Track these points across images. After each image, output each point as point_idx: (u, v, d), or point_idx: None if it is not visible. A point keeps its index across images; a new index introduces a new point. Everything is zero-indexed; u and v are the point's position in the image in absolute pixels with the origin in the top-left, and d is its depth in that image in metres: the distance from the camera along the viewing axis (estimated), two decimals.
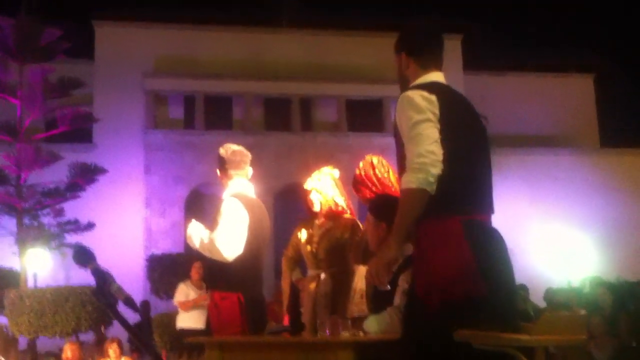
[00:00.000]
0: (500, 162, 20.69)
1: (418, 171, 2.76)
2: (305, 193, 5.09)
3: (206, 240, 4.00)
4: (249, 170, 4.45)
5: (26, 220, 12.28)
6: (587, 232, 19.74)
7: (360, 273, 4.26)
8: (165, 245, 18.31)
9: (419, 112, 2.85)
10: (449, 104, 2.92)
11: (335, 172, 5.18)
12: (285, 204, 18.78)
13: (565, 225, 19.75)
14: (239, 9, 21.29)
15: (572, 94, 23.38)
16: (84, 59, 19.73)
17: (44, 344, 11.85)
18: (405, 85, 3.12)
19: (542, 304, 9.96)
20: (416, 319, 2.86)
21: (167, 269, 13.07)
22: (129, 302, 2.17)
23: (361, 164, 4.51)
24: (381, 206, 3.67)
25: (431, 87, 2.96)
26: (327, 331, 3.38)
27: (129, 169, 19.01)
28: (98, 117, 16.25)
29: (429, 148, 2.78)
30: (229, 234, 3.98)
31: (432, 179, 2.76)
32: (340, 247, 4.89)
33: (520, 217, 20.02)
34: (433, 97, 2.89)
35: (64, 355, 8.64)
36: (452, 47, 22.09)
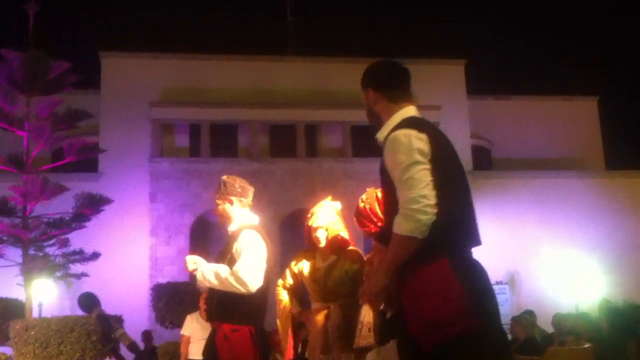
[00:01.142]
0: (507, 185, 20.70)
1: (409, 218, 2.75)
2: (310, 230, 5.07)
3: (224, 274, 3.93)
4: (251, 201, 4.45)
5: (31, 251, 12.28)
6: (594, 255, 19.63)
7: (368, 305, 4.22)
8: (171, 273, 18.29)
9: (411, 155, 2.81)
10: (437, 141, 2.90)
11: (337, 205, 5.19)
12: (292, 230, 18.76)
13: (572, 248, 19.66)
14: (243, 39, 21.50)
15: (577, 117, 23.42)
16: (90, 89, 19.90)
17: None
18: (376, 121, 3.11)
19: (549, 329, 9.88)
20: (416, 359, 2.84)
21: (172, 298, 13.03)
22: (134, 347, 2.17)
23: (364, 197, 4.41)
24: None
25: (418, 124, 2.94)
26: None
27: (134, 198, 19.08)
28: (104, 146, 16.33)
29: (421, 192, 2.75)
30: (253, 266, 3.97)
31: (423, 228, 2.74)
32: (348, 279, 4.88)
33: (527, 240, 19.95)
34: (424, 136, 2.86)
35: None
36: (456, 72, 22.22)
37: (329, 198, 5.18)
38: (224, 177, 4.35)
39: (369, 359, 3.36)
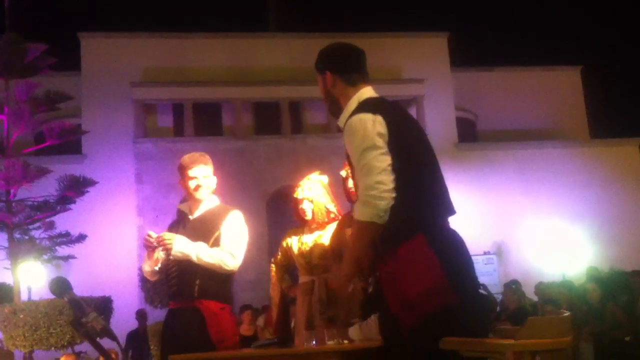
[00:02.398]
0: (492, 157, 20.79)
1: (367, 204, 2.78)
2: (296, 202, 5.06)
3: (218, 252, 3.91)
4: None
5: (17, 235, 12.23)
6: (580, 224, 19.81)
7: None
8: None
9: (366, 140, 2.83)
10: (394, 121, 2.91)
11: (324, 178, 5.15)
12: (278, 208, 18.78)
13: (557, 218, 19.82)
14: (225, 17, 21.30)
15: (561, 87, 23.48)
16: (70, 71, 19.70)
17: (41, 357, 11.82)
18: (333, 104, 3.14)
19: (535, 298, 9.98)
20: (395, 337, 2.86)
21: (160, 279, 12.98)
22: (106, 331, 2.15)
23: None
24: None
25: (373, 106, 2.94)
26: (314, 341, 3.37)
27: (120, 179, 19.00)
28: (87, 128, 16.20)
29: (377, 178, 2.77)
30: (242, 246, 4.00)
31: (381, 213, 2.77)
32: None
33: (513, 210, 20.09)
34: (379, 118, 2.87)
35: None
36: (439, 45, 22.17)
37: (317, 172, 5.16)
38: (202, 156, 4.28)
39: (351, 334, 3.36)
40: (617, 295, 7.77)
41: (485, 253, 18.78)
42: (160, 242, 3.88)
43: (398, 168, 2.81)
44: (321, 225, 4.97)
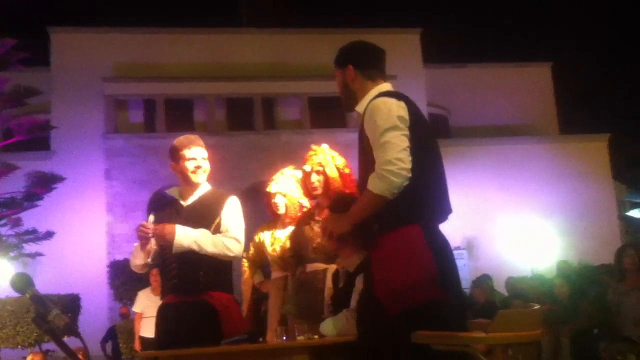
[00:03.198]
0: (464, 153, 20.89)
1: (382, 178, 2.83)
2: (269, 196, 5.01)
3: (220, 238, 3.72)
4: None
5: None
6: (551, 219, 20.02)
7: (332, 272, 4.18)
8: (129, 250, 17.95)
9: (389, 120, 2.90)
10: (414, 112, 3.00)
11: (298, 173, 5.10)
12: (251, 204, 18.60)
13: (529, 213, 20.01)
14: (198, 12, 21.13)
15: (532, 84, 23.68)
16: (40, 66, 19.37)
17: (9, 355, 11.64)
18: (350, 98, 3.21)
19: (505, 293, 10.04)
20: (374, 323, 2.87)
21: (129, 275, 12.85)
22: (69, 328, 2.08)
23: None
24: (342, 205, 3.61)
25: (397, 95, 3.03)
26: (285, 337, 3.34)
27: (89, 175, 18.74)
28: (56, 124, 15.95)
29: (397, 155, 2.83)
30: (243, 233, 3.86)
31: (394, 189, 2.83)
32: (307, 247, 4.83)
33: (485, 205, 20.24)
34: (402, 104, 2.96)
35: None
36: (412, 42, 22.22)
37: (291, 167, 5.11)
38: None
39: (322, 329, 3.33)
40: (585, 289, 7.87)
41: (455, 248, 18.89)
42: (159, 235, 3.67)
43: (413, 154, 2.87)
44: (294, 220, 4.93)
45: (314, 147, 4.55)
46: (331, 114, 21.20)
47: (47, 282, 15.13)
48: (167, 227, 3.68)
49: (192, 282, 3.67)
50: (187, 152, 3.88)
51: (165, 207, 3.93)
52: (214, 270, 3.73)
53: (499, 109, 23.11)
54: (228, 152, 19.60)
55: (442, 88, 22.88)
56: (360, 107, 3.13)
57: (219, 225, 3.79)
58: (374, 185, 2.85)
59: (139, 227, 3.76)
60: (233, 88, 20.34)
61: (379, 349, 2.83)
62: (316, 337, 3.03)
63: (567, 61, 24.16)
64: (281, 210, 4.93)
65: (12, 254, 12.64)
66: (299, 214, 4.90)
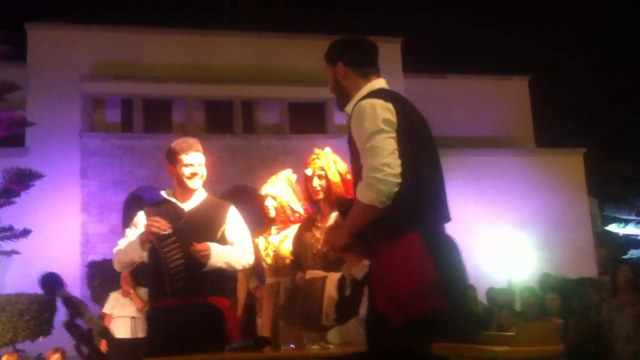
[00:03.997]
0: (443, 164, 20.94)
1: (370, 187, 2.70)
2: (260, 199, 4.94)
3: (235, 250, 3.77)
4: None
5: None
6: (528, 231, 20.17)
7: (332, 279, 4.11)
8: (103, 250, 17.80)
9: (375, 123, 2.76)
10: (404, 112, 2.86)
11: (293, 176, 5.02)
12: None
13: (506, 225, 20.14)
14: (179, 12, 20.97)
15: (510, 96, 23.90)
16: (16, 62, 19.00)
17: None
18: (343, 96, 3.07)
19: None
20: (380, 336, 2.80)
21: (107, 276, 12.64)
22: (105, 334, 1.95)
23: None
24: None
25: (385, 94, 2.90)
26: (292, 345, 3.27)
27: (64, 174, 18.42)
28: (31, 120, 15.66)
29: (384, 161, 2.69)
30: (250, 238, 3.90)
31: (383, 198, 2.69)
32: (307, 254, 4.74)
33: (462, 216, 20.15)
34: (390, 106, 2.82)
35: None
36: (392, 51, 22.27)
37: (288, 170, 5.03)
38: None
39: (330, 338, 3.27)
40: (569, 302, 7.91)
41: None
42: (197, 253, 3.60)
43: (403, 161, 2.73)
44: (286, 224, 4.85)
45: (316, 150, 4.48)
46: (311, 120, 21.18)
47: (19, 281, 14.86)
48: (201, 246, 3.62)
49: (199, 286, 3.63)
50: (185, 158, 3.88)
51: (164, 209, 3.83)
52: (222, 275, 3.74)
53: (476, 121, 23.27)
54: (206, 155, 19.09)
55: (420, 98, 22.78)
56: (348, 108, 3.00)
57: (224, 234, 3.79)
58: (362, 194, 2.73)
59: (151, 221, 3.64)
60: (213, 90, 20.20)
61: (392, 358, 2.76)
62: (331, 346, 2.96)
63: (545, 75, 24.43)
64: (271, 214, 4.86)
65: None
66: (291, 219, 4.82)
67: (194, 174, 3.84)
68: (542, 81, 24.45)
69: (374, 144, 2.72)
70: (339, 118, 21.47)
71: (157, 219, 3.66)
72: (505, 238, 19.27)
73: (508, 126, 23.50)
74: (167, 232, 3.62)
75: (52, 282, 2.10)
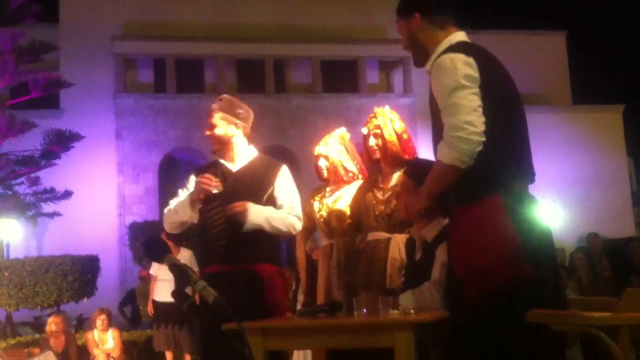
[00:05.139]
0: None
1: (451, 146, 2.56)
2: (314, 160, 4.83)
3: (285, 214, 3.57)
4: None
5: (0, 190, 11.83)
6: (564, 190, 19.91)
7: (396, 241, 4.00)
8: (140, 212, 17.97)
9: (456, 78, 2.60)
10: (487, 67, 2.69)
11: (347, 135, 4.88)
12: None
13: (543, 184, 19.74)
14: None
15: (545, 52, 23.34)
16: (48, 22, 18.94)
17: (20, 314, 11.57)
18: (420, 50, 2.87)
19: None
20: (459, 303, 2.70)
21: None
22: (219, 303, 1.82)
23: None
24: (421, 172, 3.41)
25: (466, 48, 2.72)
26: (364, 309, 3.17)
27: (99, 135, 18.47)
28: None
29: (466, 118, 2.54)
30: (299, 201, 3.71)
31: (465, 157, 2.55)
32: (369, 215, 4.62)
33: None
34: (471, 60, 2.64)
35: (47, 328, 8.39)
36: None
37: (342, 129, 4.89)
38: (225, 95, 3.91)
39: (403, 302, 3.18)
40: (634, 263, 7.75)
41: None
42: (232, 211, 3.45)
43: (487, 118, 2.57)
44: (338, 185, 4.74)
45: (375, 109, 4.33)
46: (343, 78, 20.93)
47: (59, 243, 15.05)
48: (238, 203, 3.47)
49: (244, 252, 3.50)
50: None
51: (212, 171, 3.68)
52: (269, 241, 3.58)
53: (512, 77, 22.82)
54: None
55: None
56: (428, 65, 2.80)
57: (272, 196, 3.61)
58: (443, 154, 2.58)
59: (202, 178, 3.50)
60: (244, 49, 20.02)
61: (481, 331, 2.62)
62: (412, 312, 2.87)
63: (582, 30, 23.79)
64: (324, 174, 4.75)
65: (29, 213, 12.46)
66: (344, 179, 4.70)
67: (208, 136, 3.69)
68: (579, 36, 23.79)
69: (455, 100, 2.57)
70: (371, 77, 21.20)
71: (209, 175, 3.53)
72: (541, 197, 19.02)
73: (544, 83, 22.98)
74: (216, 191, 3.48)
75: (160, 248, 1.97)
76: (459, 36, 2.83)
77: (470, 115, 2.55)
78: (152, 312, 8.59)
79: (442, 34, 2.82)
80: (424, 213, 3.21)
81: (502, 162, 2.64)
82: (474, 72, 2.63)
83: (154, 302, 8.53)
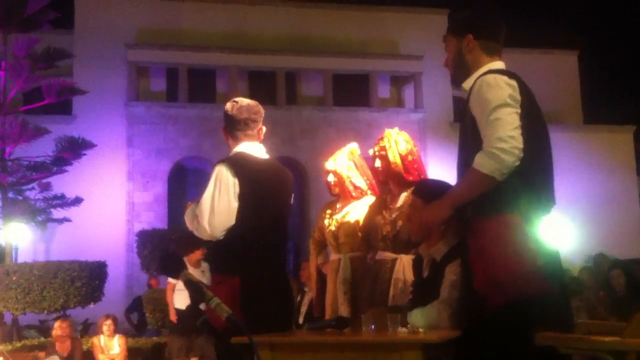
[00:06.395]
0: None
1: (493, 157, 2.61)
2: (324, 175, 4.85)
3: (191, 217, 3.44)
4: (261, 130, 3.83)
5: (10, 195, 11.87)
6: (574, 210, 19.83)
7: (402, 262, 4.01)
8: (148, 219, 18.03)
9: (501, 97, 2.67)
10: (526, 90, 2.76)
11: (357, 151, 4.89)
12: None
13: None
14: None
15: (557, 71, 23.35)
16: (63, 29, 19.10)
17: (26, 317, 11.60)
18: (462, 70, 2.92)
19: None
20: (478, 318, 2.72)
21: (157, 245, 12.77)
22: (231, 321, 1.82)
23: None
24: (431, 191, 3.42)
25: (508, 72, 2.80)
26: (372, 325, 3.18)
27: (110, 142, 18.60)
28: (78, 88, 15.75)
29: (510, 133, 2.61)
30: (210, 206, 3.34)
31: (504, 169, 2.61)
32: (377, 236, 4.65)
33: None
34: (514, 83, 2.73)
35: (53, 333, 8.41)
36: (439, 21, 21.81)
37: (353, 144, 4.90)
38: (227, 103, 3.77)
39: (412, 320, 3.18)
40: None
41: None
42: None
43: (524, 138, 2.65)
44: (347, 200, 4.75)
45: (385, 131, 4.37)
46: (354, 92, 20.98)
47: (67, 248, 15.11)
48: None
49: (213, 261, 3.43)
50: None
51: None
52: (214, 248, 3.54)
53: None
54: None
55: None
56: (467, 84, 2.87)
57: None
58: (483, 163, 2.63)
59: None
60: (256, 60, 20.13)
61: (483, 342, 2.68)
62: (421, 330, 2.88)
63: (594, 50, 23.78)
64: (334, 190, 4.77)
65: (39, 219, 12.52)
66: (352, 194, 4.71)
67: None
68: (592, 55, 23.79)
69: (500, 115, 2.65)
70: (382, 91, 21.25)
71: None
72: (551, 216, 18.96)
73: (555, 102, 22.96)
74: None
75: (176, 264, 1.99)
76: (500, 64, 2.90)
77: (513, 131, 2.63)
78: (175, 319, 8.55)
79: (487, 60, 2.88)
80: (443, 225, 3.16)
81: (529, 184, 2.70)
82: (516, 94, 2.71)
83: (176, 310, 8.51)
